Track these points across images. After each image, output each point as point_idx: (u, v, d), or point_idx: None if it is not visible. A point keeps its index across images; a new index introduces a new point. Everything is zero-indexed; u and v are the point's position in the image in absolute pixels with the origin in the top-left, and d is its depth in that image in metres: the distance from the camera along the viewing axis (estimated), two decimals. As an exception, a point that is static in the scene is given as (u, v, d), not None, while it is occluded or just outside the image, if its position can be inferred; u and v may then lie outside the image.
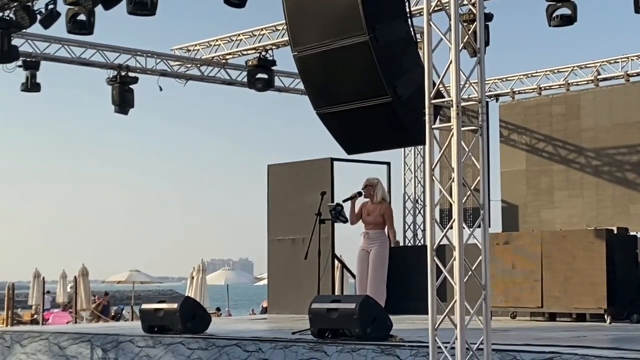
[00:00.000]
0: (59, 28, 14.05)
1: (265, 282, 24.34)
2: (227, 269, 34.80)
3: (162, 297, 10.63)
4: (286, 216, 14.36)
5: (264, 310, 25.48)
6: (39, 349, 10.80)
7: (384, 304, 10.58)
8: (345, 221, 11.09)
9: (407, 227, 20.15)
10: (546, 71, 18.88)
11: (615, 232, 11.19)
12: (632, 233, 12.21)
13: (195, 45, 19.02)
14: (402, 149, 20.15)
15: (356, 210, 11.27)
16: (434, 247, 6.49)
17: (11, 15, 13.94)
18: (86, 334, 10.43)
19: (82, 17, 13.52)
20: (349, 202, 11.18)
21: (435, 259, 6.45)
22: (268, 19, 17.69)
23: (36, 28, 14.31)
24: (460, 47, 6.46)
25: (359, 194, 11.21)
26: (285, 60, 17.42)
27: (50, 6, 13.77)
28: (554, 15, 14.15)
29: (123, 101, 17.54)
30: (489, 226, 6.66)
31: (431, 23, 6.59)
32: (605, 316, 10.54)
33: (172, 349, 9.32)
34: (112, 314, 27.89)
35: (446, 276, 6.41)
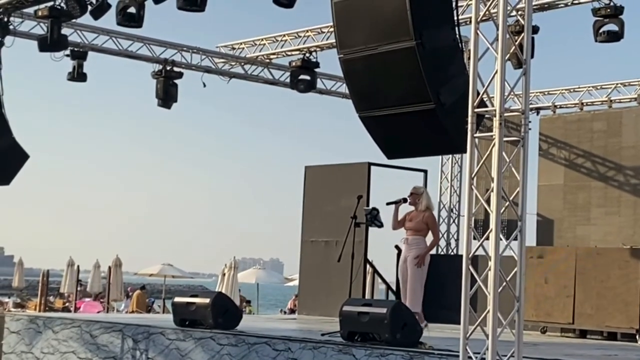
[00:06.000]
0: (108, 20, 14.19)
1: (295, 283, 24.36)
2: (258, 267, 34.76)
3: (193, 292, 10.54)
4: (321, 218, 14.39)
5: (291, 311, 25.54)
6: (71, 336, 10.93)
7: (420, 309, 10.57)
8: (380, 226, 11.06)
9: (441, 235, 20.10)
10: (589, 87, 18.77)
11: (652, 252, 11.10)
12: (668, 254, 12.09)
13: (241, 43, 19.12)
14: (440, 157, 20.13)
15: (399, 217, 11.23)
16: (469, 256, 6.49)
17: (62, 4, 14.09)
18: (118, 324, 10.54)
19: (132, 9, 13.61)
20: (393, 207, 11.13)
21: (470, 268, 6.45)
22: (314, 21, 17.77)
23: (85, 19, 14.44)
24: (506, 58, 6.46)
25: (404, 200, 11.16)
26: (328, 62, 17.48)
27: (101, -2, 13.90)
28: (600, 30, 14.05)
29: (167, 95, 17.65)
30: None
31: (478, 32, 6.60)
32: (637, 336, 10.46)
33: (202, 343, 9.39)
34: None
35: (479, 287, 6.41)
